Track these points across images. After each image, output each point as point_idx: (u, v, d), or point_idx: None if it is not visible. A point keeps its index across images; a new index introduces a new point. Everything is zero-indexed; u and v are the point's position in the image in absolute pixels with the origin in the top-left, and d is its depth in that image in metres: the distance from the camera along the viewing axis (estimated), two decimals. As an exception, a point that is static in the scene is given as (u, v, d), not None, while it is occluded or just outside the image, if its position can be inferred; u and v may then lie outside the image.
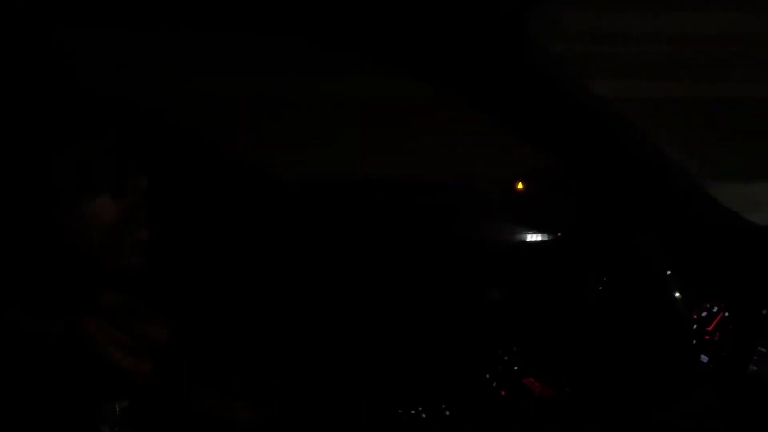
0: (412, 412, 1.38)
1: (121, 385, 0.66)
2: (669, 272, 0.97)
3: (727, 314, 1.01)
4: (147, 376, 0.67)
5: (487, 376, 1.14)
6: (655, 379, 0.98)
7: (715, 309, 1.03)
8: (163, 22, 0.96)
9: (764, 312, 0.96)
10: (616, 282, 1.07)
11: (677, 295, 0.93)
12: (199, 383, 0.81)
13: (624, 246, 1.03)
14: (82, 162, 0.60)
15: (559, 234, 1.13)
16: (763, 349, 0.94)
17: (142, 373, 0.66)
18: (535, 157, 1.23)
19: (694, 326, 1.05)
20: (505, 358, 1.13)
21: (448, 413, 1.36)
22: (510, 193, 1.27)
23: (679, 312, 0.93)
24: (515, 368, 1.10)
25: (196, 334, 0.80)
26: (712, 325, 1.03)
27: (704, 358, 1.02)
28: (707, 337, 1.03)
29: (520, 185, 1.27)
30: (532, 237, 1.22)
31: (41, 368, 0.60)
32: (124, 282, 0.68)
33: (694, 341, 1.04)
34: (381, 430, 1.39)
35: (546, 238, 1.17)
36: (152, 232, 0.64)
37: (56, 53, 0.67)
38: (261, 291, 1.39)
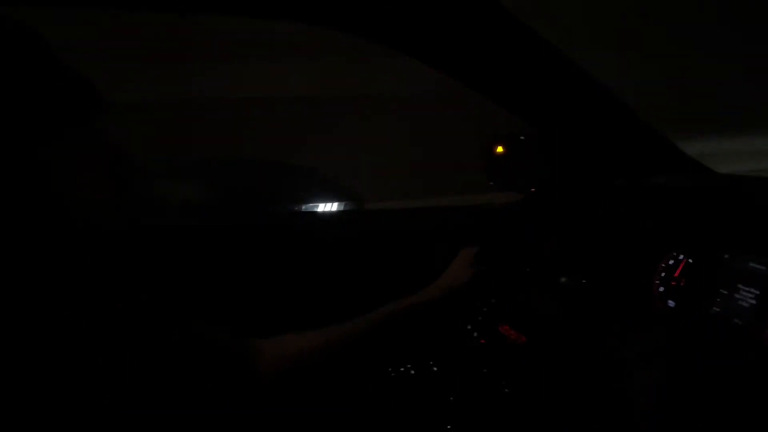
0: (402, 369, 1.44)
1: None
2: (635, 222, 1.01)
3: (691, 261, 1.06)
4: None
5: (469, 327, 1.19)
6: (619, 323, 1.03)
7: (681, 257, 1.08)
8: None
9: (726, 257, 1.01)
10: (585, 234, 1.12)
11: (641, 244, 0.98)
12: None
13: (594, 199, 1.08)
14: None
15: (533, 189, 1.18)
16: (725, 292, 0.99)
17: None
18: (511, 121, 1.28)
19: (662, 274, 1.10)
20: (484, 309, 1.18)
21: (435, 369, 1.42)
22: (490, 155, 1.32)
23: (643, 261, 0.98)
24: (492, 318, 1.15)
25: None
26: (678, 271, 1.08)
27: (671, 303, 1.07)
28: (674, 283, 1.08)
29: (499, 148, 1.32)
30: (510, 194, 1.27)
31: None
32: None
33: (662, 288, 1.09)
34: (374, 388, 1.45)
35: (521, 195, 1.22)
36: None
37: None
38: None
